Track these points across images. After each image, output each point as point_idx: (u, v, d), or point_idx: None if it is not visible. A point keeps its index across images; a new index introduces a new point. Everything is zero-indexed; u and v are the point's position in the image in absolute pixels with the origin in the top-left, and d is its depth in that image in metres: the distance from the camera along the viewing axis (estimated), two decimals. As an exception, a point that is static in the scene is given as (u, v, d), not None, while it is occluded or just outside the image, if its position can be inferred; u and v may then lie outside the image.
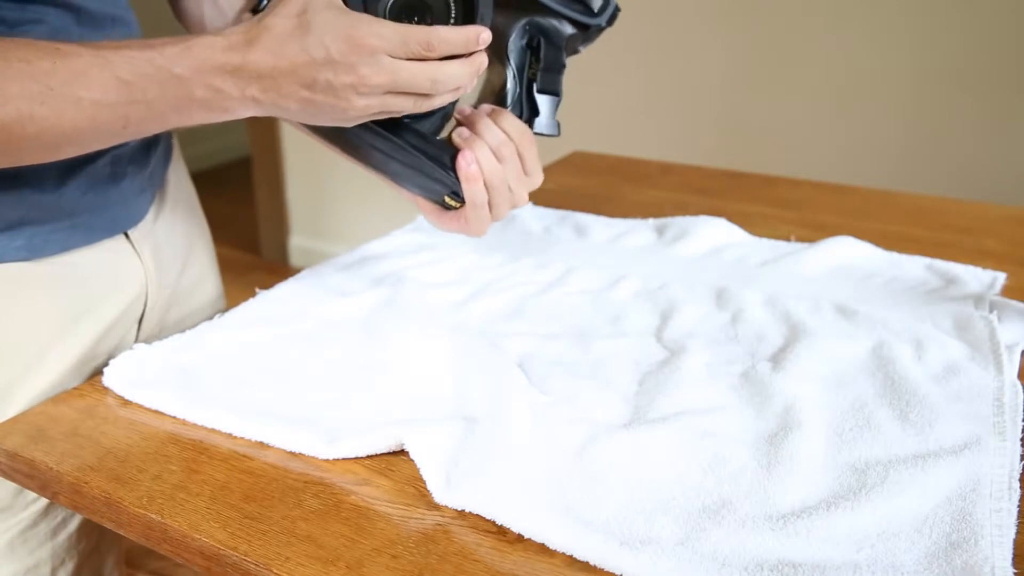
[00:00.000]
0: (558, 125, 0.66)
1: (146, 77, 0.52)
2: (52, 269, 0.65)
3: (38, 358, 0.65)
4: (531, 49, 0.65)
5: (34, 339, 0.64)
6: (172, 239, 0.77)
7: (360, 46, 0.53)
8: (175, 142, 0.80)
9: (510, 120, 0.64)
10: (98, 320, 0.68)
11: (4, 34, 0.57)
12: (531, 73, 0.65)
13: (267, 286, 0.78)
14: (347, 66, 0.53)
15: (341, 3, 0.54)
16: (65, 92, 0.51)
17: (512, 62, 0.65)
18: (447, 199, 0.64)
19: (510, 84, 0.65)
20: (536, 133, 0.65)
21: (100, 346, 0.68)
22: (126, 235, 0.70)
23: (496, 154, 0.62)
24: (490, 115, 0.64)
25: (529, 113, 0.65)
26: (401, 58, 0.54)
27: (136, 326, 0.73)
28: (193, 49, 0.53)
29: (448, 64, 0.55)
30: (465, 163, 0.61)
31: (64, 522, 0.68)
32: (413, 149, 0.61)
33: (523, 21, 0.64)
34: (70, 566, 0.69)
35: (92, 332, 0.68)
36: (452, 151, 0.62)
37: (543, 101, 0.66)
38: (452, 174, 0.62)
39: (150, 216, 0.73)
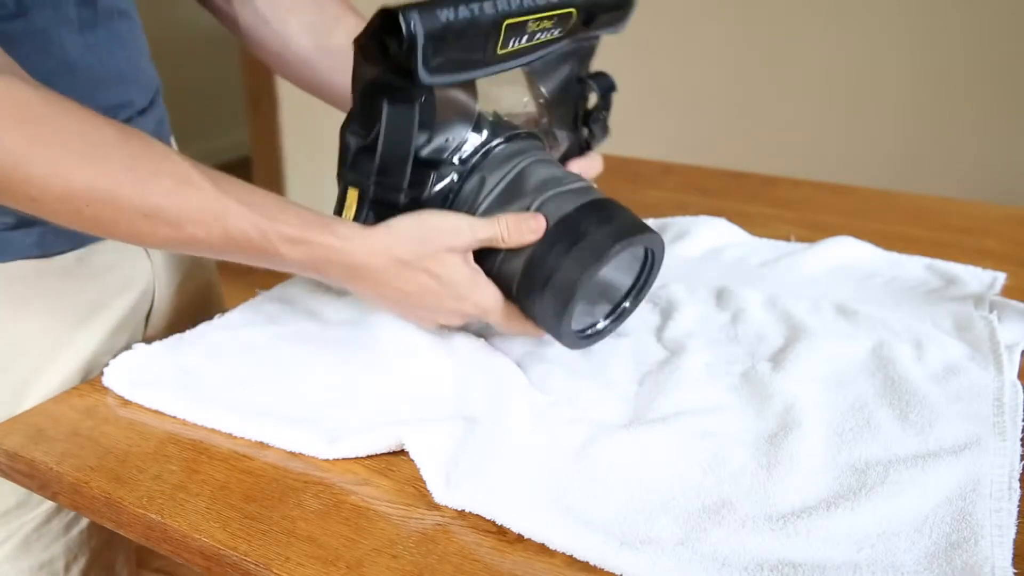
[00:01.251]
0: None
1: (248, 241, 0.54)
2: (65, 267, 0.65)
3: (52, 354, 0.65)
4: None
5: (48, 335, 0.65)
6: None
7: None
8: (172, 142, 0.81)
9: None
10: (109, 316, 0.69)
11: (16, 17, 0.58)
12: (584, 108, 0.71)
13: (267, 286, 0.78)
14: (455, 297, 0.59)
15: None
16: (170, 218, 0.53)
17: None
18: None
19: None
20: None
21: (110, 342, 0.69)
22: None
23: None
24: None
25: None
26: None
27: (144, 323, 0.73)
28: (313, 247, 0.56)
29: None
30: None
31: (77, 518, 0.68)
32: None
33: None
34: (82, 561, 0.69)
35: (103, 328, 0.68)
36: None
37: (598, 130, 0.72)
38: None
39: None
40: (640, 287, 0.64)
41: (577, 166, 0.70)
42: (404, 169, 0.57)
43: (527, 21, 0.56)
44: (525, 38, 0.57)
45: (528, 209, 0.59)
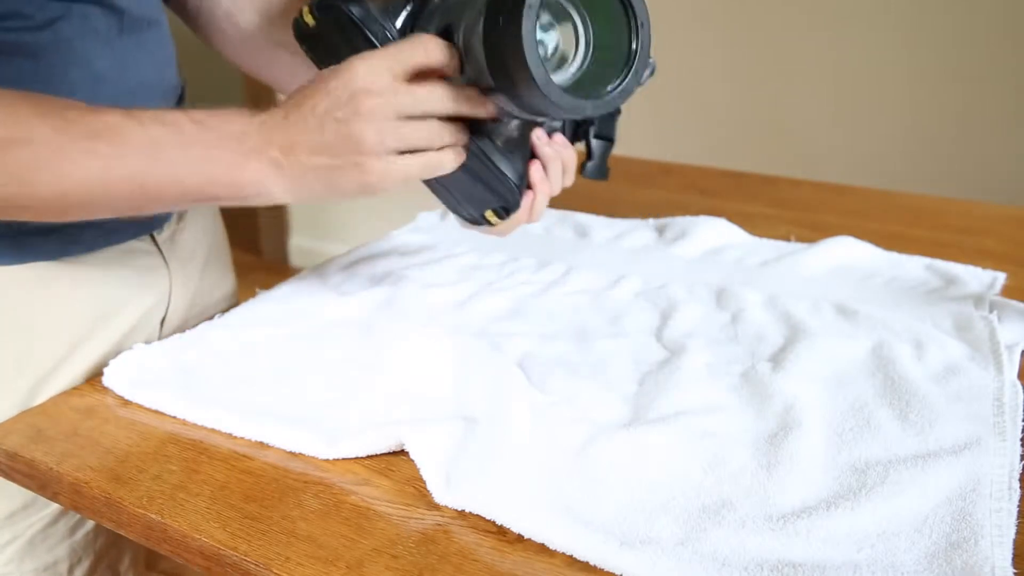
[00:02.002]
0: (608, 171, 0.66)
1: (171, 137, 0.54)
2: (82, 269, 0.66)
3: (67, 356, 0.65)
4: None
5: (64, 337, 0.65)
6: (195, 240, 0.78)
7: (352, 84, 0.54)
8: None
9: (571, 153, 0.65)
10: (125, 320, 0.69)
11: (42, 28, 0.58)
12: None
13: (267, 286, 0.78)
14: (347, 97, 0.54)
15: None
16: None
17: None
18: (490, 214, 0.63)
19: (567, 126, 0.65)
20: (585, 176, 0.66)
21: (124, 345, 0.69)
22: (152, 237, 0.71)
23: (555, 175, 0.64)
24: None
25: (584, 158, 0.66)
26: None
27: (159, 326, 0.73)
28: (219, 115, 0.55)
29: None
30: (539, 177, 0.62)
31: (82, 520, 0.68)
32: (484, 156, 0.60)
33: None
34: (87, 563, 0.69)
35: (118, 332, 0.68)
36: (520, 168, 0.62)
37: (597, 146, 0.66)
38: (515, 188, 0.61)
39: (174, 218, 0.74)
40: (638, 28, 0.58)
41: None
42: None
43: None
44: None
45: (466, 14, 0.55)
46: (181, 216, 0.76)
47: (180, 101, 0.75)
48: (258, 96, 2.58)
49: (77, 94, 0.61)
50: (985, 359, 0.62)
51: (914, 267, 0.81)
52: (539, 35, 0.53)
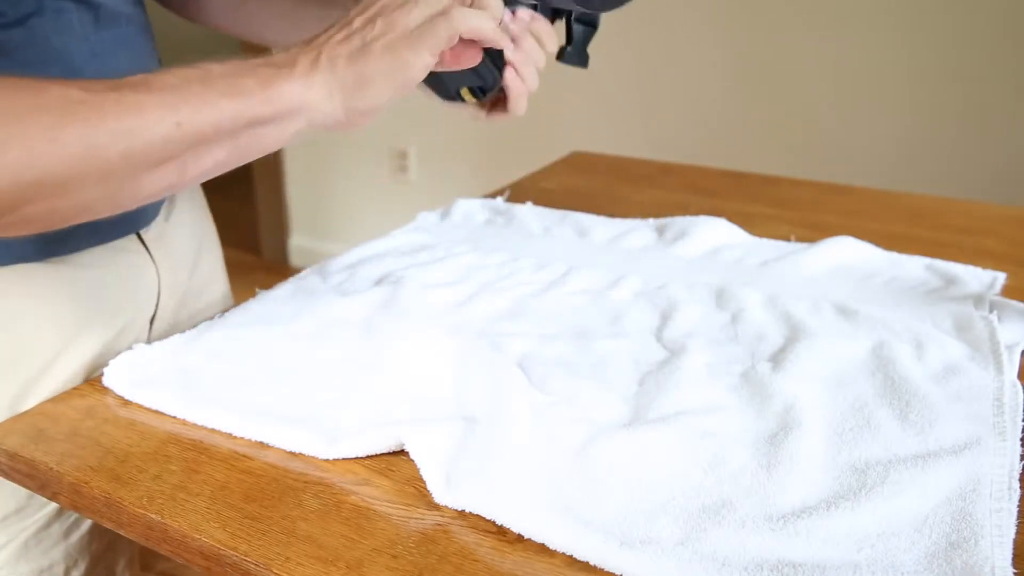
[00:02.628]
0: (587, 57, 0.63)
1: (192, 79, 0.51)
2: (67, 270, 0.65)
3: (54, 358, 0.65)
4: None
5: (50, 340, 0.65)
6: (183, 238, 0.77)
7: None
8: None
9: (544, 26, 0.64)
10: (113, 320, 0.68)
11: (15, 25, 0.57)
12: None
13: (267, 286, 0.78)
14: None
15: None
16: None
17: None
18: (465, 91, 0.61)
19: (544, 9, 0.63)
20: (563, 62, 0.63)
21: (114, 346, 0.69)
22: (138, 235, 0.71)
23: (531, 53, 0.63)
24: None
25: (564, 43, 0.63)
26: None
27: (148, 326, 0.73)
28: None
29: None
30: (510, 51, 0.62)
31: (77, 523, 0.68)
32: None
33: None
34: (83, 567, 0.69)
35: (107, 332, 0.68)
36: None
37: (578, 31, 0.63)
38: (493, 68, 0.60)
39: (161, 216, 0.74)
40: None
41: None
42: None
43: None
44: None
45: None
46: (168, 214, 0.75)
47: None
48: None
49: None
50: (985, 359, 0.62)
51: (914, 267, 0.81)
52: None
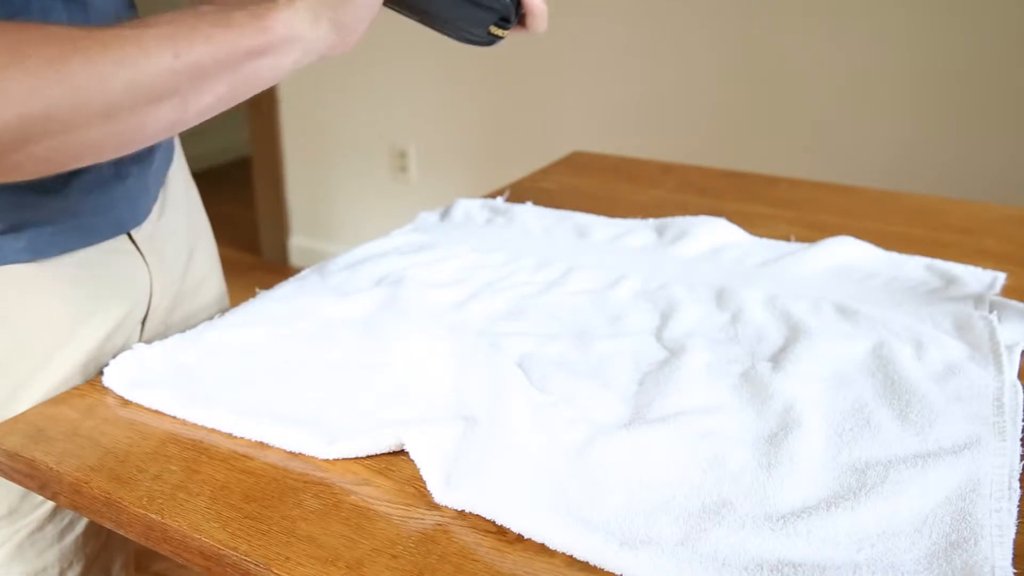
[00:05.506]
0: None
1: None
2: (58, 271, 0.64)
3: (45, 359, 0.65)
4: None
5: (42, 340, 0.64)
6: (175, 239, 0.77)
7: None
8: (177, 142, 0.80)
9: None
10: (104, 321, 0.68)
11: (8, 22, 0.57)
12: None
13: (267, 286, 0.78)
14: None
15: None
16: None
17: None
18: (494, 28, 0.64)
19: None
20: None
21: (106, 347, 0.68)
22: (129, 236, 0.70)
23: None
24: None
25: None
26: None
27: (140, 327, 0.73)
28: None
29: None
30: None
31: (71, 524, 0.68)
32: None
33: None
34: (77, 568, 0.69)
35: (98, 333, 0.68)
36: None
37: None
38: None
39: (153, 216, 0.73)
40: None
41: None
42: None
43: None
44: None
45: None
46: (160, 214, 0.75)
47: None
48: (258, 99, 2.57)
49: None
50: (985, 359, 0.62)
51: (914, 267, 0.81)
52: None
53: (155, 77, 0.49)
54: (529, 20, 0.66)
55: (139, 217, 0.71)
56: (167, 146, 0.77)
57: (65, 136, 0.48)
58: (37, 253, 0.63)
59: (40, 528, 0.66)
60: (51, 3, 0.60)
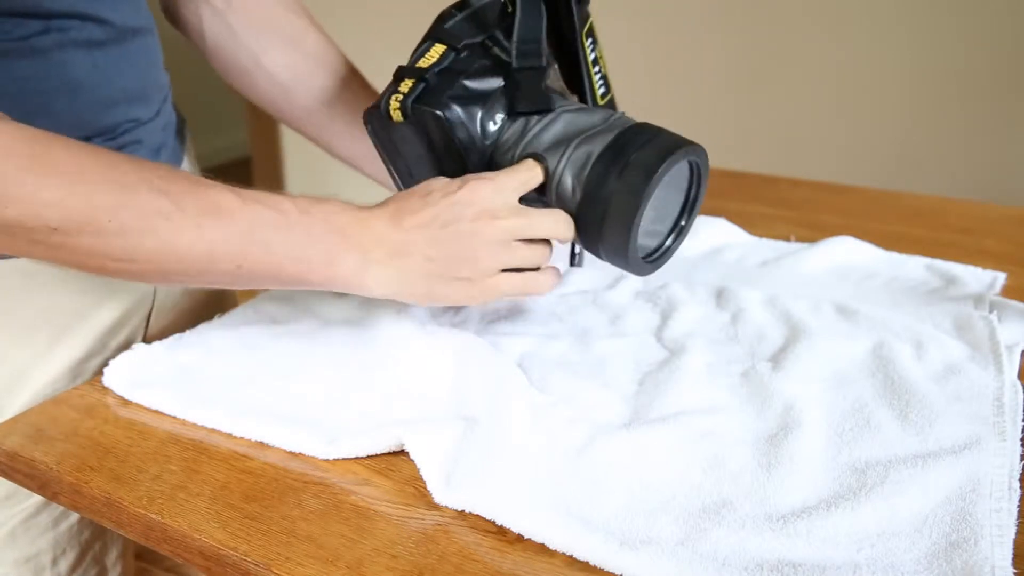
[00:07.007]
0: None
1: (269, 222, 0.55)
2: (52, 270, 0.65)
3: (49, 347, 0.65)
4: None
5: (47, 327, 0.65)
6: None
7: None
8: (186, 142, 0.80)
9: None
10: (105, 316, 0.69)
11: (25, 40, 0.58)
12: None
13: (267, 286, 0.78)
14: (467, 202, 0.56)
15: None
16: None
17: None
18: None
19: None
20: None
21: (110, 340, 0.69)
22: None
23: None
24: None
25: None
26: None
27: (145, 323, 0.73)
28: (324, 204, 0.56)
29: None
30: None
31: (66, 512, 0.68)
32: None
33: None
34: (71, 556, 0.69)
35: (102, 325, 0.68)
36: None
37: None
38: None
39: None
40: (693, 201, 0.63)
41: None
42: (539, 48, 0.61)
43: None
44: None
45: (568, 150, 0.59)
46: None
47: (165, 102, 0.75)
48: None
49: (53, 103, 0.60)
50: (985, 359, 0.62)
51: (914, 267, 0.81)
52: None
53: (217, 276, 0.55)
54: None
55: None
56: (173, 147, 0.77)
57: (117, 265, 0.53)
58: None
59: (35, 514, 0.66)
60: (69, 23, 0.61)
